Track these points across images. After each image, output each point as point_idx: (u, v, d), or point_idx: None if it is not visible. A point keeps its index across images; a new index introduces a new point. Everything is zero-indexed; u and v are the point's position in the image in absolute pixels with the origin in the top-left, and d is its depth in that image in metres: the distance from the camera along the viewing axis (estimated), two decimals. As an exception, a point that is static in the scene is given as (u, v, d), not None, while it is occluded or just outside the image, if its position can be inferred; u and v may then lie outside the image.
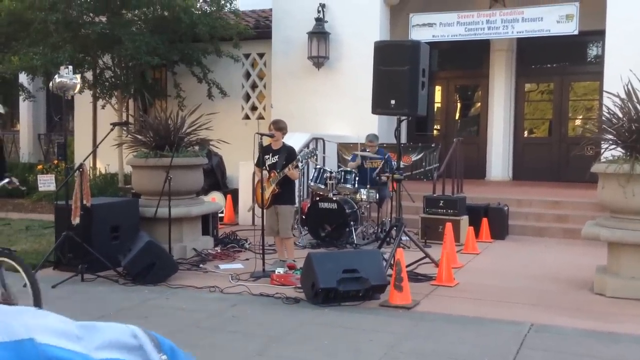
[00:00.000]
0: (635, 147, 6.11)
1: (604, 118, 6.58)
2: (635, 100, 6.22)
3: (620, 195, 6.05)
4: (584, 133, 11.06)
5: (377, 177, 9.24)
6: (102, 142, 7.84)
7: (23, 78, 15.04)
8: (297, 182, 7.75)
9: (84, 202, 6.80)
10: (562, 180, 13.05)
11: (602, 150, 6.72)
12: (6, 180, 4.65)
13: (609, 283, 6.16)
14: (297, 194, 8.38)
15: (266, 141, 7.11)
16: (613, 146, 6.43)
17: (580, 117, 14.00)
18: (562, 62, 13.96)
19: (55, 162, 14.04)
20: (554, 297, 6.20)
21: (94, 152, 9.94)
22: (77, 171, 6.83)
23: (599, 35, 11.64)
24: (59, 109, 15.41)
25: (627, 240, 6.02)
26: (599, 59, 12.79)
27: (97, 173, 13.76)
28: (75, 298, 6.11)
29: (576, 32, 11.07)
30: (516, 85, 14.11)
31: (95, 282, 6.67)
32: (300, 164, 7.18)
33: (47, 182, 8.51)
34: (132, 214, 7.55)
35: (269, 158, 7.14)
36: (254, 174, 9.13)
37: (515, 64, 14.08)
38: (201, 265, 7.45)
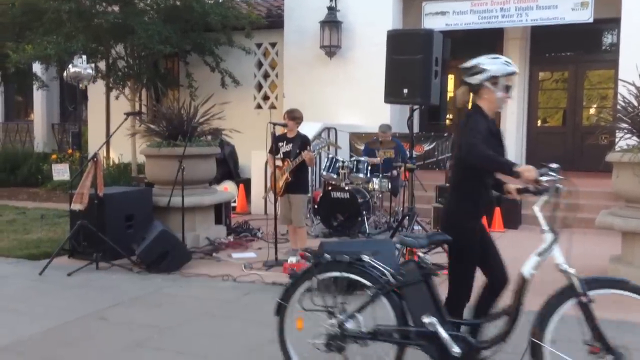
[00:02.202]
0: (651, 136, 6.06)
1: (619, 107, 6.52)
2: (651, 88, 6.17)
3: (635, 185, 6.01)
4: (598, 122, 10.98)
5: (396, 172, 9.18)
6: (115, 131, 7.88)
7: (37, 68, 15.12)
8: (310, 170, 7.74)
9: (98, 192, 6.85)
10: (576, 170, 12.95)
11: (617, 139, 6.65)
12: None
13: (622, 272, 6.11)
14: (310, 183, 8.38)
15: (279, 130, 7.09)
16: (628, 135, 6.36)
17: (595, 105, 13.87)
18: (577, 51, 13.81)
19: (69, 151, 14.15)
20: (567, 286, 6.17)
21: (107, 142, 9.99)
22: (91, 160, 6.87)
23: (614, 23, 11.52)
24: (72, 99, 15.49)
25: (641, 229, 5.99)
26: (614, 47, 12.65)
27: (111, 162, 13.85)
28: (91, 286, 6.18)
29: (591, 20, 10.96)
30: (530, 74, 13.99)
31: (110, 271, 6.74)
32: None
33: (61, 172, 8.60)
34: (145, 203, 7.61)
35: (282, 146, 7.14)
36: (266, 162, 9.15)
37: (529, 53, 13.94)
38: (214, 254, 7.50)
